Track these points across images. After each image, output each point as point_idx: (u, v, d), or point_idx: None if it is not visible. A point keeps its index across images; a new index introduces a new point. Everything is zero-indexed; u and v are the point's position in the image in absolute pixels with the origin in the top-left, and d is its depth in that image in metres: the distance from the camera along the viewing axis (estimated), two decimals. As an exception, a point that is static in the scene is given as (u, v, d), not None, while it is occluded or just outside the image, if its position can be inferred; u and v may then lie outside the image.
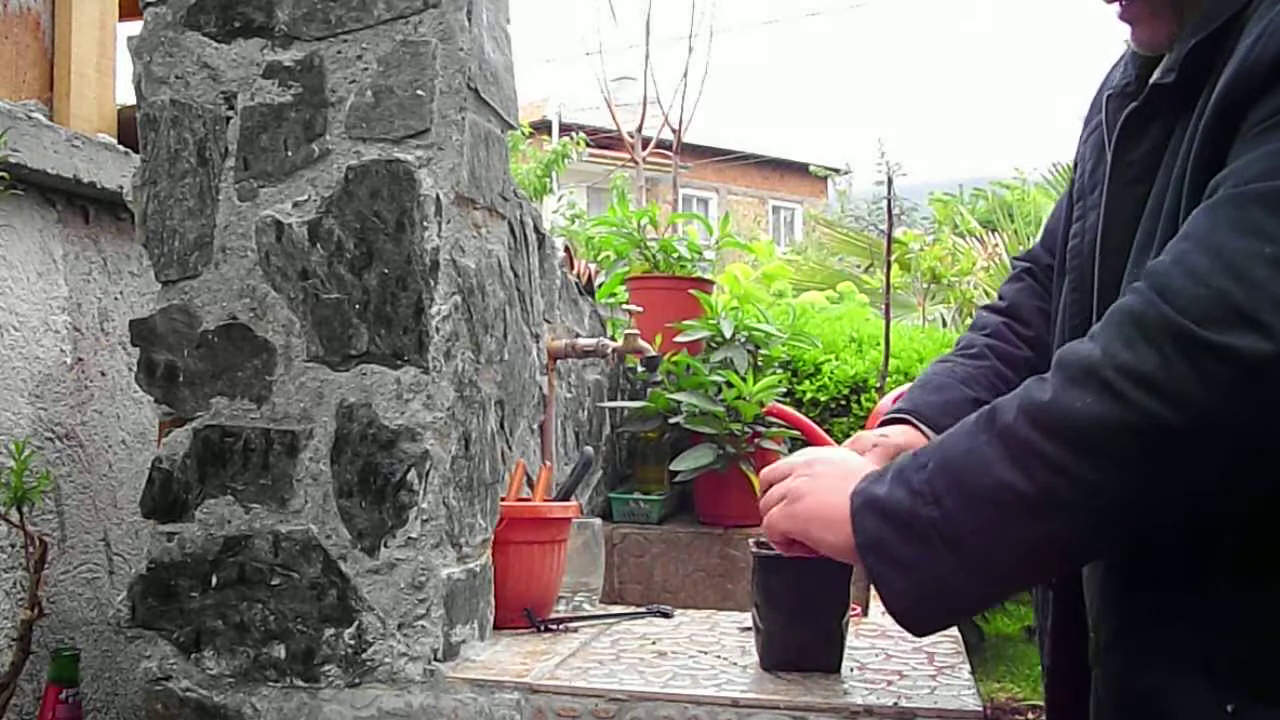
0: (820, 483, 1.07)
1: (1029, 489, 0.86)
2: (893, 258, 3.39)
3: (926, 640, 1.53)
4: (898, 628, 1.65)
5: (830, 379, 3.17)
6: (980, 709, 1.23)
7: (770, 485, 1.13)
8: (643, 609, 1.72)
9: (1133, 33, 1.06)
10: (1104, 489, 0.84)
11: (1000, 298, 1.36)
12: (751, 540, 1.39)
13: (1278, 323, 0.77)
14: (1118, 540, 0.90)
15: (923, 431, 1.24)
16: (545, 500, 1.70)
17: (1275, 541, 0.86)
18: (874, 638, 1.54)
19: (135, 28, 1.51)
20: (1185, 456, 0.81)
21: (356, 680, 1.37)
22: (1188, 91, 0.94)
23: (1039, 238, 1.36)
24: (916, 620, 0.99)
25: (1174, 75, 0.97)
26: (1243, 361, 0.78)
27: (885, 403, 2.36)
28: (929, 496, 0.93)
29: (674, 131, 10.51)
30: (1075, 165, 1.16)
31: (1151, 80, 1.01)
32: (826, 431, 2.77)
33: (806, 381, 3.20)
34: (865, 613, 1.74)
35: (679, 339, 2.71)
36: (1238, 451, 0.81)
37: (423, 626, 1.36)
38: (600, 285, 2.97)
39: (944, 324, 6.12)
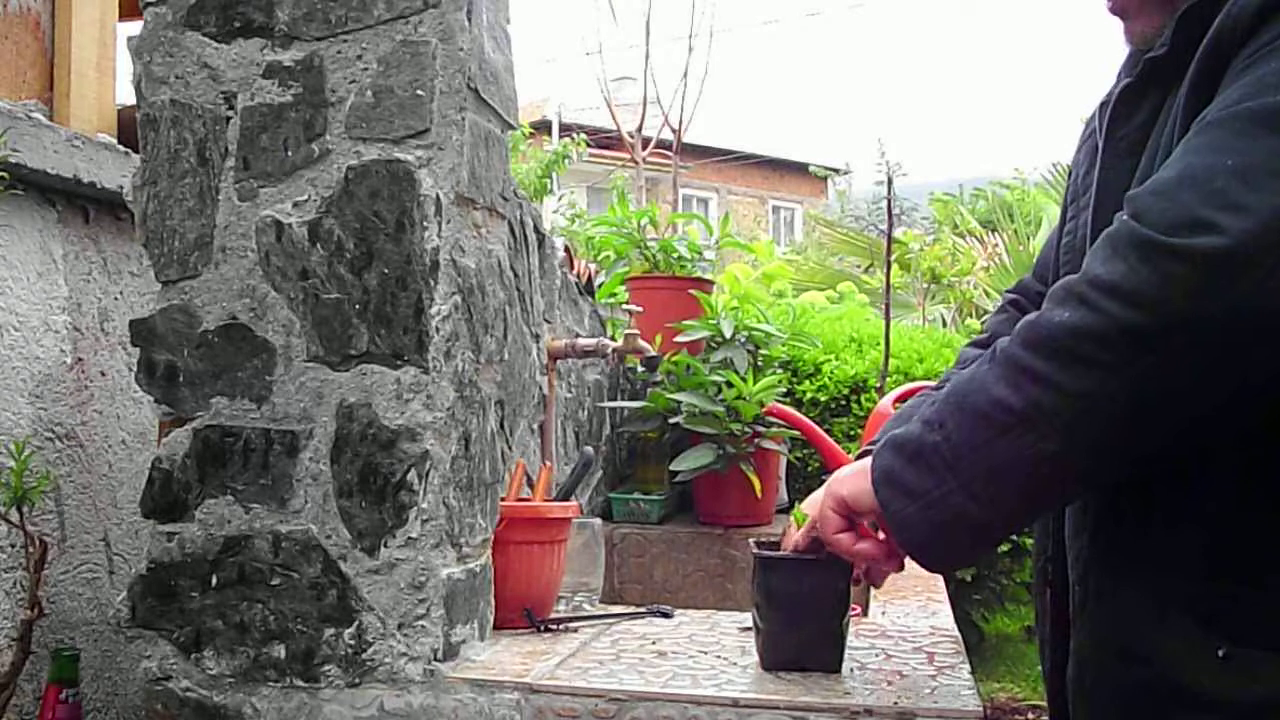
0: (854, 462, 1.15)
1: (1017, 402, 0.89)
2: (893, 258, 3.39)
3: (926, 640, 1.53)
4: (898, 627, 1.65)
5: (830, 379, 3.17)
6: (980, 709, 1.22)
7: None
8: (643, 609, 1.72)
9: (1126, 28, 1.06)
10: (1087, 397, 0.86)
11: (984, 331, 1.39)
12: (752, 540, 1.39)
13: (1233, 223, 0.80)
14: (1111, 459, 0.91)
15: None
16: (545, 500, 1.70)
17: (1255, 487, 0.88)
18: (874, 638, 1.54)
19: (135, 28, 1.51)
20: (1160, 358, 0.83)
21: (356, 680, 1.37)
22: (1179, 60, 0.95)
23: (1031, 268, 1.38)
24: (929, 552, 1.00)
25: (1166, 47, 0.97)
26: (1200, 259, 0.81)
27: (885, 403, 2.36)
28: (935, 423, 0.97)
29: (674, 131, 10.53)
30: (1069, 174, 1.17)
31: (1146, 55, 1.01)
32: (826, 431, 2.77)
33: (806, 381, 3.20)
34: (865, 613, 1.74)
35: (679, 339, 2.71)
36: (1214, 353, 0.83)
37: (423, 626, 1.36)
38: (600, 285, 2.97)
39: (944, 324, 6.13)
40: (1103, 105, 1.09)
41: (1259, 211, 0.80)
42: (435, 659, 1.36)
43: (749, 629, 1.44)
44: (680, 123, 10.49)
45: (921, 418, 0.98)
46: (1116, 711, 0.98)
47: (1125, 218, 0.87)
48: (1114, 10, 1.07)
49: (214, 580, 1.42)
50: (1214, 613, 0.89)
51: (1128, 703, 0.96)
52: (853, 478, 1.08)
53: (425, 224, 1.37)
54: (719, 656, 1.43)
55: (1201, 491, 0.91)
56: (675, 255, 2.97)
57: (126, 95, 1.80)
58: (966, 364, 1.34)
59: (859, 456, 1.33)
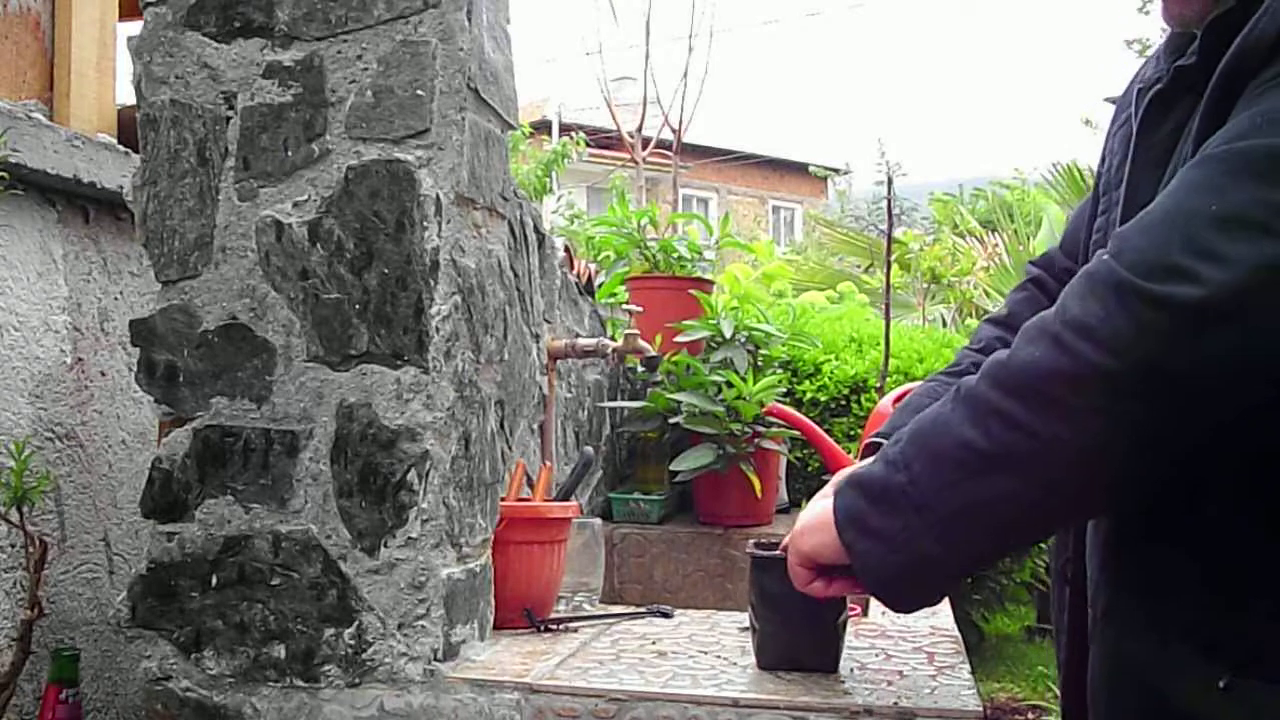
0: (816, 503, 1.11)
1: (986, 445, 0.88)
2: (893, 258, 3.39)
3: (926, 640, 1.53)
4: (898, 627, 1.65)
5: (830, 379, 3.17)
6: (980, 709, 1.23)
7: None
8: (643, 609, 1.72)
9: (1165, 7, 1.05)
10: (1057, 441, 0.85)
11: (1003, 308, 1.37)
12: (751, 540, 1.39)
13: (1210, 273, 0.79)
14: (1085, 501, 0.90)
15: None
16: (545, 500, 1.70)
17: (1252, 517, 0.87)
18: (874, 638, 1.54)
19: (135, 28, 1.51)
20: (1131, 405, 0.82)
21: (356, 680, 1.37)
22: (1207, 70, 0.94)
23: (1059, 241, 1.36)
24: (895, 593, 0.99)
25: (1196, 56, 0.96)
26: (1176, 308, 0.80)
27: (885, 403, 2.36)
28: (900, 464, 0.95)
29: (674, 131, 10.53)
30: (1102, 160, 1.15)
31: (1176, 63, 1.00)
32: (826, 432, 2.78)
33: (806, 381, 3.20)
34: (865, 613, 1.74)
35: (679, 339, 2.71)
36: (1186, 402, 0.82)
37: (423, 626, 1.36)
38: (600, 285, 2.97)
39: (944, 324, 6.13)
40: (1140, 91, 1.07)
41: (1237, 264, 0.78)
42: (435, 659, 1.36)
43: (748, 629, 1.44)
44: (680, 123, 10.49)
45: (885, 458, 0.97)
46: None
47: (1108, 257, 0.85)
48: None
49: (214, 580, 1.42)
50: (1214, 643, 0.88)
51: None
52: (813, 531, 1.07)
53: (425, 224, 1.37)
54: (719, 656, 1.43)
55: (1198, 522, 0.90)
56: (675, 255, 2.97)
57: (126, 95, 1.80)
58: (982, 343, 1.33)
59: (863, 449, 1.33)
